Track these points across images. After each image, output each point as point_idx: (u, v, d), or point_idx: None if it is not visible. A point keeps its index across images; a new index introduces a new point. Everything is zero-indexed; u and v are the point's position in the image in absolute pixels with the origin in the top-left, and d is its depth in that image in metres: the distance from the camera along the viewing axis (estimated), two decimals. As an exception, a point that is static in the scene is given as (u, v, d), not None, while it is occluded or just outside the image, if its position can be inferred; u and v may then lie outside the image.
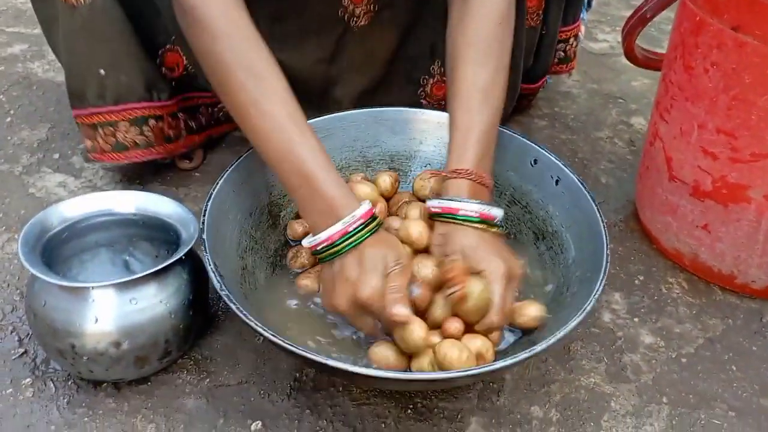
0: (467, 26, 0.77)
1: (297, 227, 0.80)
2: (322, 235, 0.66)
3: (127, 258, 0.77)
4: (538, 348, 0.60)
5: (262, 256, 0.78)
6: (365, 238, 0.66)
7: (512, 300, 0.69)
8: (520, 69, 1.00)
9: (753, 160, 0.76)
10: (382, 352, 0.67)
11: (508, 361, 0.60)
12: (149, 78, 0.89)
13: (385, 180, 0.83)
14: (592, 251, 0.71)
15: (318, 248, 0.67)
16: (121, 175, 0.99)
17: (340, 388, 0.73)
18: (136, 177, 0.99)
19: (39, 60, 1.25)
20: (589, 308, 0.64)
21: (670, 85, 0.83)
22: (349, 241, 0.66)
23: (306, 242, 0.70)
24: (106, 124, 0.89)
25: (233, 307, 0.61)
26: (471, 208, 0.70)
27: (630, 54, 0.86)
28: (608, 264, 0.68)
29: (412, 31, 0.97)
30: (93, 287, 0.62)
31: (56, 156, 1.03)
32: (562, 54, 1.09)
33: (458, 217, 0.70)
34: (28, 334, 0.76)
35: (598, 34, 1.44)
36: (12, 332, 0.77)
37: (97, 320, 0.63)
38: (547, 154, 0.81)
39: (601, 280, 0.66)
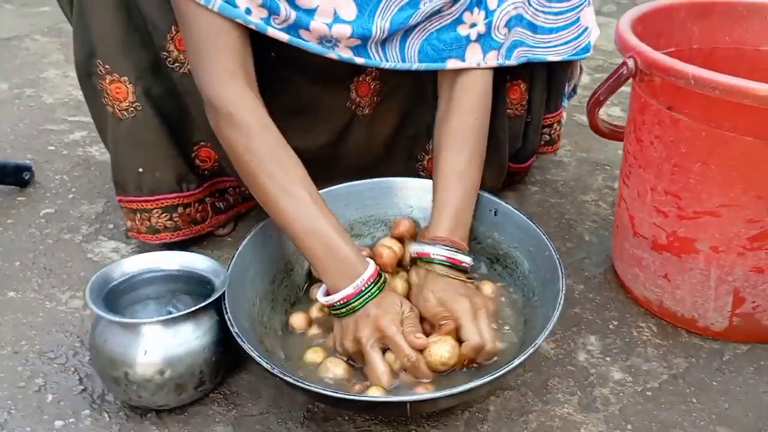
0: (450, 120, 0.95)
1: (296, 320, 0.93)
2: (341, 294, 0.82)
3: (171, 309, 0.92)
4: (538, 341, 0.76)
5: (276, 306, 0.93)
6: (377, 294, 0.82)
7: (486, 325, 0.83)
8: (506, 150, 1.15)
9: (696, 217, 0.88)
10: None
11: (515, 362, 0.74)
12: (180, 173, 1.06)
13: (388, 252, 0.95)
14: (544, 260, 0.87)
15: (336, 305, 0.83)
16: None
17: (346, 418, 0.86)
18: (177, 243, 1.16)
19: (96, 145, 1.45)
20: (560, 308, 0.79)
21: (627, 155, 0.97)
22: (364, 297, 0.81)
23: (323, 299, 0.84)
24: (143, 210, 1.07)
25: (250, 351, 0.75)
26: (441, 252, 0.88)
27: (595, 129, 1.00)
28: (561, 264, 0.85)
29: (410, 116, 1.14)
30: (143, 324, 0.78)
31: (110, 226, 1.20)
32: (548, 137, 1.25)
33: (430, 260, 0.87)
34: (87, 374, 0.91)
35: (589, 109, 1.60)
36: (74, 372, 0.92)
37: (146, 352, 0.78)
38: (481, 193, 0.97)
39: (562, 278, 0.83)
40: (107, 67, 0.98)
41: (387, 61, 0.93)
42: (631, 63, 0.86)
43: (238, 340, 0.76)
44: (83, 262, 1.12)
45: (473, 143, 0.94)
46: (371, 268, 0.83)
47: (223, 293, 0.80)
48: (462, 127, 0.94)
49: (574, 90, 1.31)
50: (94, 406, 0.87)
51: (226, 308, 0.79)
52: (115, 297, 0.85)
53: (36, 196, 1.28)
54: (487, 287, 0.94)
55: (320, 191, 0.86)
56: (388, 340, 0.81)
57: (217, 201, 1.14)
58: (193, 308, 0.78)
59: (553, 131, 1.25)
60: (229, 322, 0.78)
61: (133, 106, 1.00)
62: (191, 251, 1.10)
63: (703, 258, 0.90)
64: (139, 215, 1.07)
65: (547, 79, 1.15)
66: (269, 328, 0.88)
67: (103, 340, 0.78)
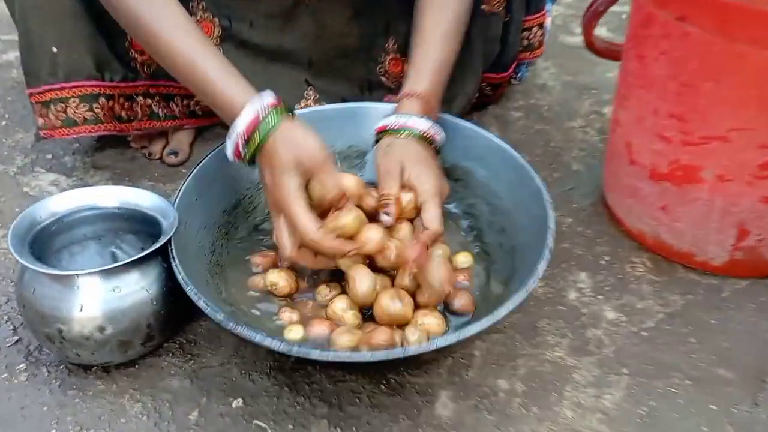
0: None
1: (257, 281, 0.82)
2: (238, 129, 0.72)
3: (114, 250, 0.82)
4: (530, 284, 0.71)
5: (231, 245, 0.84)
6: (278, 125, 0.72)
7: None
8: (480, 54, 1.06)
9: (703, 143, 0.80)
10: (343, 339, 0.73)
11: (503, 311, 0.68)
12: (100, 58, 0.95)
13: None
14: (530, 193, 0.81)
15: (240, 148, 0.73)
16: (110, 173, 1.04)
17: (317, 367, 0.78)
18: (125, 175, 1.04)
19: (32, 66, 1.30)
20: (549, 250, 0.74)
21: (626, 74, 0.88)
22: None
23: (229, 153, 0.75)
24: (58, 100, 0.95)
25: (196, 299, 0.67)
26: (419, 124, 0.80)
27: (590, 45, 0.90)
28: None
29: (366, 8, 1.03)
30: (78, 275, 0.67)
31: (49, 156, 1.08)
32: (527, 42, 1.14)
33: (406, 131, 0.80)
34: (22, 323, 0.81)
35: (575, 28, 1.48)
36: (7, 321, 0.82)
37: (82, 307, 0.68)
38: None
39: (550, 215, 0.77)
40: None
41: None
42: (638, -35, 0.75)
43: (189, 293, 0.66)
44: (18, 196, 1.01)
45: (458, 6, 0.89)
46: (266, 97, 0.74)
47: (170, 238, 0.70)
48: None
49: None
50: (30, 359, 0.78)
51: (173, 254, 0.68)
52: (48, 237, 0.75)
53: (-38, 124, 1.14)
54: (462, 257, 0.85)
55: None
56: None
57: (155, 105, 1.02)
58: (136, 257, 0.68)
59: (532, 35, 1.14)
60: (176, 271, 0.67)
61: None
62: (141, 186, 0.99)
63: (708, 188, 0.82)
64: (53, 107, 0.96)
65: None
66: (223, 271, 0.78)
67: (31, 291, 0.68)
